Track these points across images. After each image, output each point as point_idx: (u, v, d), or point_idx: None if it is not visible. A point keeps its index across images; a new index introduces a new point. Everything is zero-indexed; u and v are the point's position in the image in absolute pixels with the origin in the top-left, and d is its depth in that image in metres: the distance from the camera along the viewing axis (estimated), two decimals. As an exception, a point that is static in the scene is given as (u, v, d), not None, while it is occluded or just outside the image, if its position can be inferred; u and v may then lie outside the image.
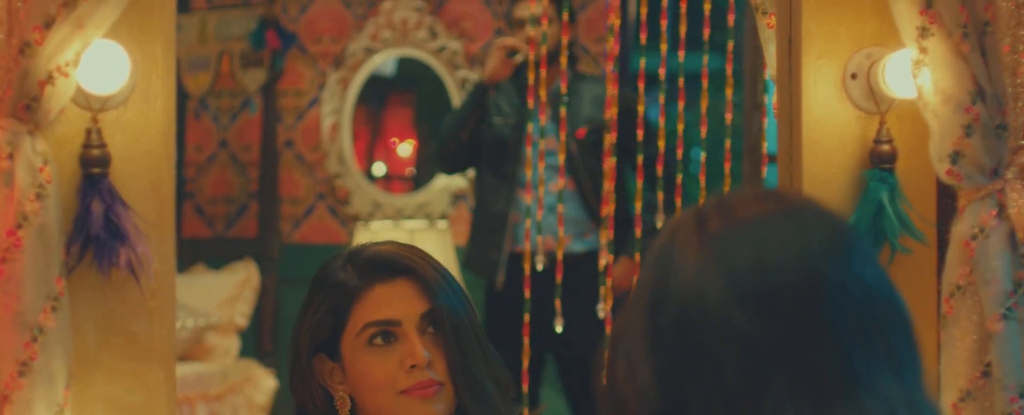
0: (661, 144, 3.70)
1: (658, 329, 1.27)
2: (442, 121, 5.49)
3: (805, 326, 1.25)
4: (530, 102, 3.93)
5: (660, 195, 3.72)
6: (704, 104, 3.69)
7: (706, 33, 3.56)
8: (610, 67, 3.78)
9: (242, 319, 6.67)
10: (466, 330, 2.19)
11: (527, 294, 3.82)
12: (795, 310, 1.25)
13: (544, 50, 3.98)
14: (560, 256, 3.98)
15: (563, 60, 4.49)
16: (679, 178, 3.89)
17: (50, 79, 2.73)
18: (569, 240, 5.10)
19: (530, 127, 4.45)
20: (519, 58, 5.11)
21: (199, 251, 7.14)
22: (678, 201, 4.03)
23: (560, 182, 4.79)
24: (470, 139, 5.28)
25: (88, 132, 2.83)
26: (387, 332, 2.18)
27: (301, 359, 2.22)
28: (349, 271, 2.21)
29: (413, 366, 2.16)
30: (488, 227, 5.30)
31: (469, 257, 5.49)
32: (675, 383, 1.26)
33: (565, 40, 4.64)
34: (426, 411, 2.17)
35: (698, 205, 1.34)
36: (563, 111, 4.46)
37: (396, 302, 2.19)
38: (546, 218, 4.86)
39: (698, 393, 1.25)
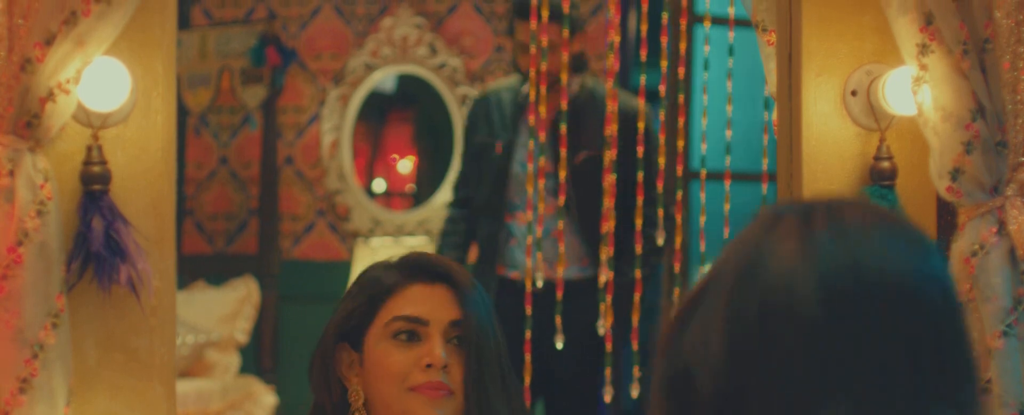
0: (661, 160, 3.70)
1: (739, 311, 1.29)
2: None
3: (884, 336, 1.26)
4: (531, 119, 3.90)
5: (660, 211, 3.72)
6: (704, 121, 3.69)
7: (706, 50, 3.57)
8: (610, 84, 3.78)
9: (242, 335, 6.66)
10: (489, 348, 2.21)
11: (528, 311, 3.82)
12: (879, 318, 1.27)
13: (544, 70, 3.87)
14: (560, 274, 3.98)
15: (564, 78, 4.35)
16: (679, 195, 3.89)
17: (51, 96, 2.73)
18: (567, 265, 5.01)
19: (531, 146, 4.29)
20: None
21: (199, 268, 7.14)
22: (678, 218, 4.02)
23: (556, 204, 4.73)
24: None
25: (89, 149, 2.83)
26: (413, 331, 2.21)
27: (326, 343, 2.26)
28: (392, 269, 2.26)
29: (429, 365, 2.18)
30: (480, 256, 5.24)
31: None
32: (746, 366, 1.27)
33: (565, 58, 4.35)
34: (429, 412, 2.18)
35: (805, 202, 1.35)
36: (564, 128, 4.35)
37: (429, 302, 2.22)
38: (541, 241, 4.84)
39: (764, 381, 1.27)
